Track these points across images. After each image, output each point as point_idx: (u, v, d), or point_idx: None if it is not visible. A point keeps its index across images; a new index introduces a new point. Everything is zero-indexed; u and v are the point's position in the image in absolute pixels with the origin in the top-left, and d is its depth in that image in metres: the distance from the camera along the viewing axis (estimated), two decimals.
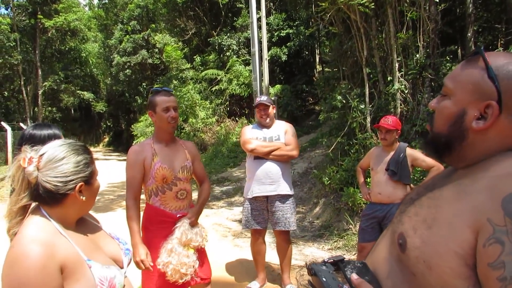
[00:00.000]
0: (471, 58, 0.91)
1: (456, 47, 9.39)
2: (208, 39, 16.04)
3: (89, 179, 1.33)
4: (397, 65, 6.59)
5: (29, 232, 1.19)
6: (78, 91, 25.09)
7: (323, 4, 6.48)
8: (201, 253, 2.56)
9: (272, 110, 3.78)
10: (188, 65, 15.29)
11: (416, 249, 0.86)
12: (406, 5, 6.60)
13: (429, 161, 3.44)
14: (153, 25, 18.96)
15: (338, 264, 0.93)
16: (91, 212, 1.55)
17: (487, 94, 0.86)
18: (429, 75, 6.46)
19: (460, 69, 0.93)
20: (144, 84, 20.13)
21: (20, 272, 1.11)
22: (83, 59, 25.57)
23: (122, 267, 1.43)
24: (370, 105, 6.67)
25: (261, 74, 14.70)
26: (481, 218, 0.78)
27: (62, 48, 23.74)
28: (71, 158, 1.28)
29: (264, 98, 3.77)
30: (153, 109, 2.47)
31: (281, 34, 15.12)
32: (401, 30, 6.76)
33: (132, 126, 18.26)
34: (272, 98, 14.69)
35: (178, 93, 14.75)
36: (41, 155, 1.25)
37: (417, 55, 6.57)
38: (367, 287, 0.86)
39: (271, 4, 16.69)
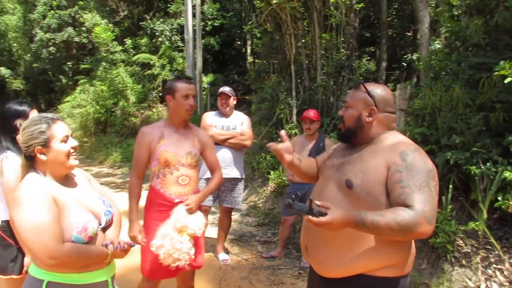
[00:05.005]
0: (357, 87, 1.74)
1: (373, 48, 10.52)
2: (140, 23, 15.80)
3: (47, 143, 1.62)
4: (320, 63, 7.38)
5: (26, 179, 1.62)
6: None
7: (260, 3, 7.04)
8: (196, 241, 2.54)
9: (232, 101, 4.17)
10: (119, 48, 14.97)
11: (359, 186, 1.59)
12: (329, 10, 7.38)
13: None
14: (81, 2, 18.08)
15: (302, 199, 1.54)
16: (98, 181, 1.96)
17: (370, 104, 1.68)
18: (347, 75, 7.34)
19: (353, 93, 1.75)
20: (70, 63, 19.15)
21: (23, 197, 1.53)
22: (1, 32, 23.45)
23: (100, 224, 1.77)
24: (296, 99, 7.39)
25: (194, 62, 14.94)
26: (390, 163, 1.55)
27: None
28: (29, 128, 1.62)
29: (227, 89, 4.14)
30: (172, 94, 2.50)
31: (215, 24, 15.40)
32: (325, 32, 7.56)
33: (58, 106, 17.34)
34: (205, 86, 15.11)
35: (108, 76, 14.42)
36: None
37: (338, 56, 7.40)
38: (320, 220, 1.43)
39: None
